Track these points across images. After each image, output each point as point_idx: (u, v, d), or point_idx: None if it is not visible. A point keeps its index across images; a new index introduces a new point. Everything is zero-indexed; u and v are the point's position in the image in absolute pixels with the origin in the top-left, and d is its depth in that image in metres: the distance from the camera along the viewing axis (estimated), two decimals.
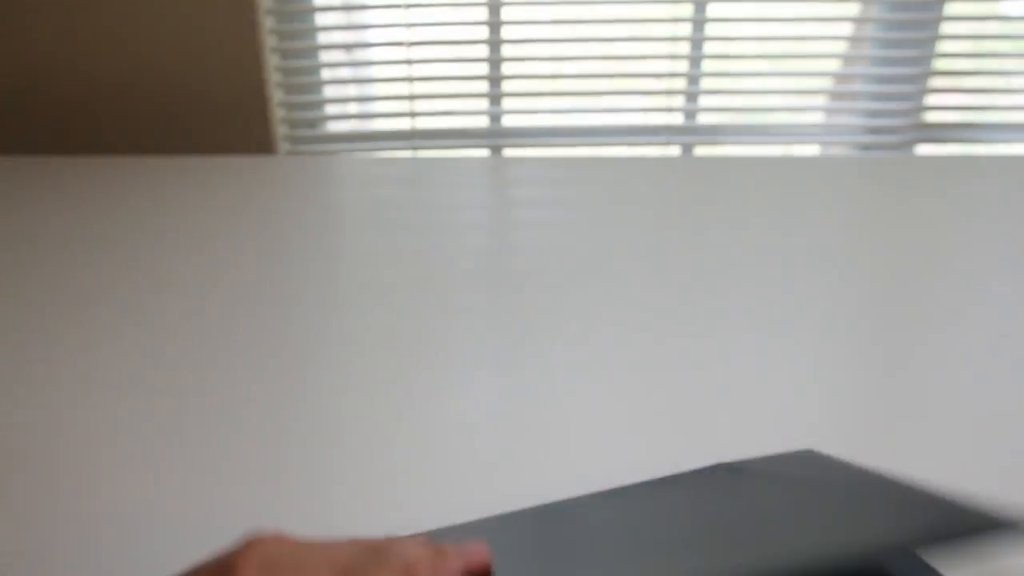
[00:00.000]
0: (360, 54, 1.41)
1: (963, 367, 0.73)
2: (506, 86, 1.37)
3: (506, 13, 1.32)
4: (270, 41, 1.30)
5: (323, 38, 1.34)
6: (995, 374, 0.72)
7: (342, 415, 0.64)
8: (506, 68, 1.36)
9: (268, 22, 1.29)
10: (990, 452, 0.64)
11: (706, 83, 1.36)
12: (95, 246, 0.91)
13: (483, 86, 1.37)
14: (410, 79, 1.36)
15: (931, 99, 1.34)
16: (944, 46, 1.31)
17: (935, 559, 0.43)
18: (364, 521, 0.53)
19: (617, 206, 1.00)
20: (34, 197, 1.05)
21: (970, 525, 0.34)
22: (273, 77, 1.32)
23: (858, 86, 1.36)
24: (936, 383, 0.69)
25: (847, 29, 1.35)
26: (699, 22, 1.31)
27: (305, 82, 1.33)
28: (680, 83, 1.36)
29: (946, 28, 1.30)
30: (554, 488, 0.56)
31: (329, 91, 1.37)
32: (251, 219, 0.97)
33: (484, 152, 1.41)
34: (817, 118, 1.40)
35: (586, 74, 1.36)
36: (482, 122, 1.40)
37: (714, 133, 1.38)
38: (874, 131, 1.36)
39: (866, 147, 1.37)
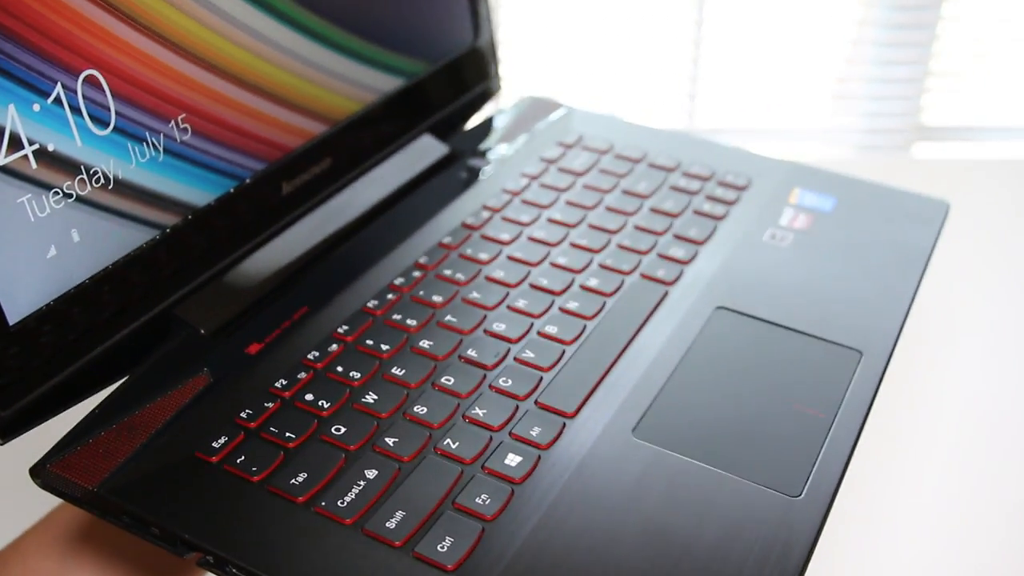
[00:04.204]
0: None
1: (961, 367, 0.72)
2: None
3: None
4: None
5: None
6: (994, 373, 0.71)
7: None
8: None
9: None
10: (988, 449, 0.64)
11: (705, 82, 1.35)
12: None
13: None
14: None
15: (930, 100, 1.34)
16: (943, 47, 1.31)
17: None
18: None
19: None
20: None
21: None
22: None
23: (858, 87, 1.35)
24: (934, 383, 0.69)
25: (847, 30, 1.34)
26: (698, 21, 1.30)
27: None
28: (679, 82, 1.35)
29: (945, 29, 1.30)
30: None
31: None
32: None
33: None
34: (817, 119, 1.39)
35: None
36: None
37: (714, 133, 1.37)
38: (873, 132, 1.35)
39: (865, 148, 1.36)
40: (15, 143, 0.33)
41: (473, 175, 0.54)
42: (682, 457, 0.36)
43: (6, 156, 0.32)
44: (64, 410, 0.37)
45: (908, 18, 1.28)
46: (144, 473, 0.35)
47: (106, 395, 0.39)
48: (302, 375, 0.39)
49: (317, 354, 0.40)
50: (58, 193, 0.34)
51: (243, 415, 0.37)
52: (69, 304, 0.35)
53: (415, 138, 0.53)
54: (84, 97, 0.35)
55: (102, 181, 0.36)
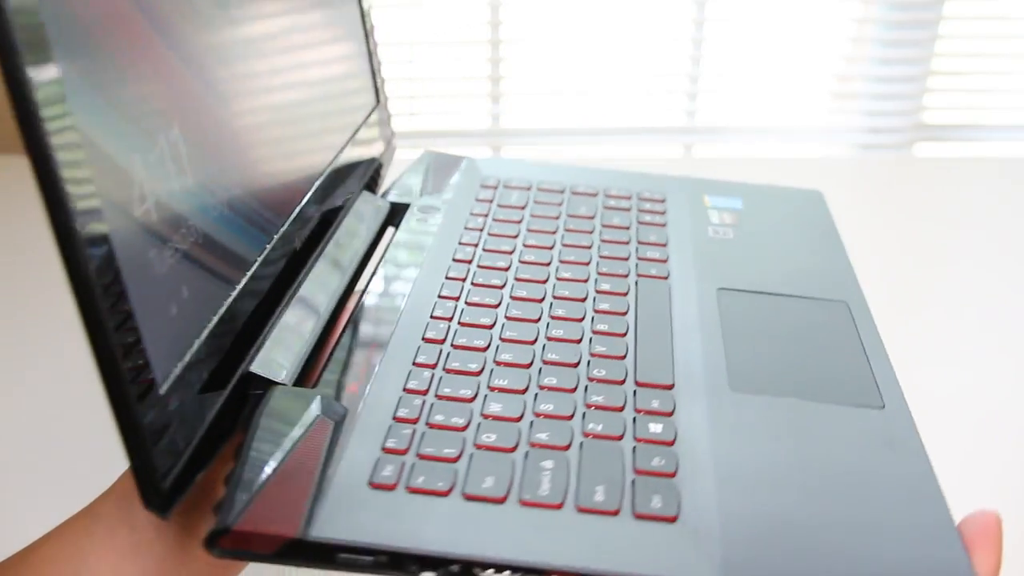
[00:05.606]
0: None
1: (963, 367, 0.72)
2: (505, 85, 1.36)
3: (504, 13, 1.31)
4: None
5: None
6: (995, 374, 0.71)
7: None
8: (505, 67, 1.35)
9: None
10: (987, 450, 0.64)
11: (706, 82, 1.35)
12: None
13: (484, 86, 1.36)
14: (411, 79, 1.35)
15: (931, 99, 1.35)
16: (944, 46, 1.32)
17: None
18: None
19: None
20: None
21: None
22: None
23: (858, 86, 1.36)
24: (935, 383, 0.69)
25: (848, 29, 1.35)
26: (699, 21, 1.30)
27: None
28: (679, 82, 1.36)
29: (946, 28, 1.31)
30: None
31: None
32: None
33: (488, 151, 1.40)
34: (817, 118, 1.40)
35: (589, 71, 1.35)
36: (484, 122, 1.38)
37: (714, 132, 1.37)
38: (874, 131, 1.36)
39: (866, 147, 1.37)
40: (142, 196, 0.32)
41: (426, 223, 0.56)
42: (783, 399, 0.40)
43: (140, 208, 0.32)
44: (197, 478, 0.35)
45: (909, 16, 1.29)
46: (335, 510, 0.34)
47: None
48: (417, 401, 0.40)
49: (416, 383, 0.41)
50: (171, 247, 0.34)
51: (390, 444, 0.37)
52: (192, 364, 0.35)
53: (358, 194, 0.56)
54: (176, 147, 0.34)
55: (195, 235, 0.36)
